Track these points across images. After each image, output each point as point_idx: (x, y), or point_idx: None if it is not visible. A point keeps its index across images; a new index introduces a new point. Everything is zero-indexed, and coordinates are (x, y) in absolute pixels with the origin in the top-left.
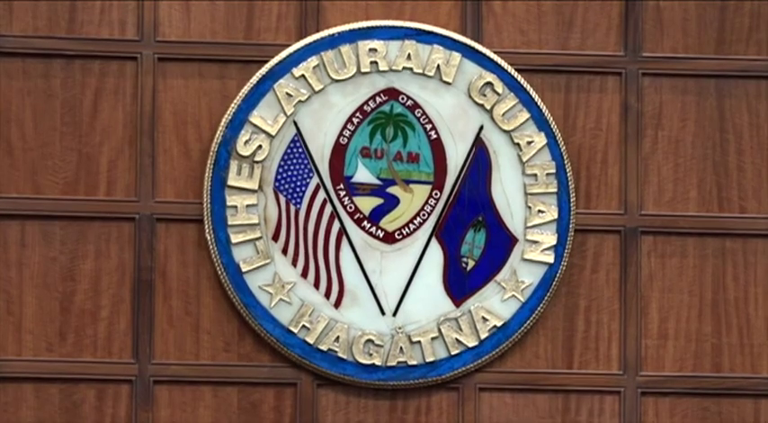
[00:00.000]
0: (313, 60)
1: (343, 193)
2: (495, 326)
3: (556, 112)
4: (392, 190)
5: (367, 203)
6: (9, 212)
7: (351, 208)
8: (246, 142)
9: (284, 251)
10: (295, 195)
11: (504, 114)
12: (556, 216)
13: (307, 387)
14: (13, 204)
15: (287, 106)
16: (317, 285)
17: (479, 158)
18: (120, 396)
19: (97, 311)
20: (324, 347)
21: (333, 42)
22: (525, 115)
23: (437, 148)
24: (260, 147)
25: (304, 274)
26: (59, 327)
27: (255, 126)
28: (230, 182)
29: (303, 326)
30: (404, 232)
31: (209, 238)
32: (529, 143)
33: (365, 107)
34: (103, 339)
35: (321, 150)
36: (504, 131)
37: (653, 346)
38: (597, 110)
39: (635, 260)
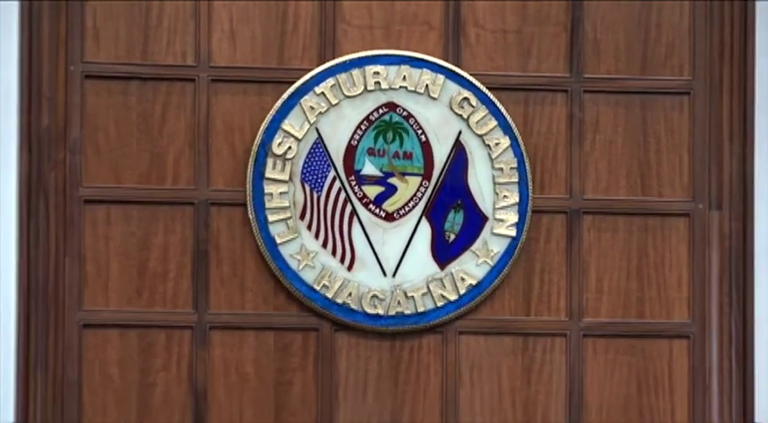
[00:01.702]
0: (330, 81)
1: (354, 183)
2: (471, 284)
3: (517, 120)
4: (392, 180)
5: (372, 191)
6: (98, 198)
7: (360, 194)
8: (279, 144)
9: (309, 227)
10: (317, 184)
11: (477, 122)
12: (517, 200)
13: (326, 331)
14: (100, 192)
15: (310, 116)
16: (333, 253)
17: (458, 156)
18: (183, 339)
19: (165, 274)
20: (339, 301)
21: (345, 67)
22: (493, 123)
23: (426, 148)
24: (290, 147)
25: (324, 245)
26: (136, 286)
27: (286, 132)
28: (267, 174)
29: (323, 285)
30: (400, 213)
31: (251, 217)
32: (496, 144)
33: (370, 117)
34: (171, 295)
35: (337, 150)
36: (478, 135)
37: (592, 299)
38: (549, 119)
39: (578, 234)
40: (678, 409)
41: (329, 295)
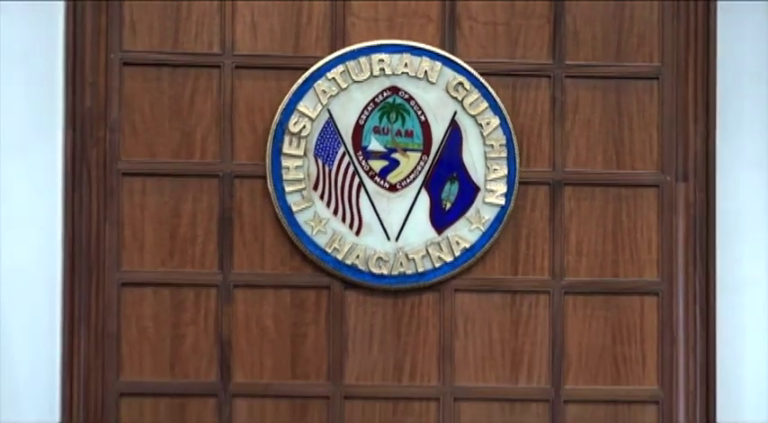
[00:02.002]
0: (340, 67)
1: (361, 158)
2: (464, 247)
3: (506, 102)
4: (395, 155)
5: (377, 164)
6: (134, 172)
7: (366, 168)
8: (295, 123)
9: (321, 197)
10: (328, 159)
11: (470, 104)
12: (506, 173)
13: (337, 289)
14: (137, 166)
15: (323, 99)
16: (343, 220)
17: (454, 134)
18: (210, 296)
19: (194, 238)
20: (348, 262)
21: (353, 55)
22: (485, 105)
23: (425, 127)
24: (304, 126)
25: (335, 213)
26: (169, 249)
27: (301, 112)
28: (284, 150)
29: (334, 248)
30: (402, 184)
31: (270, 188)
32: (487, 124)
33: (376, 99)
34: (199, 257)
35: (346, 129)
36: (471, 116)
37: (572, 261)
38: (534, 101)
39: (560, 203)
40: (648, 357)
41: (339, 257)
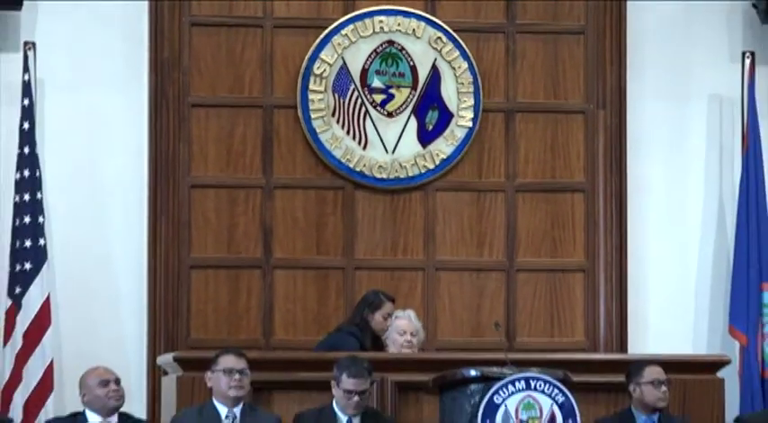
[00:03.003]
0: (351, 26)
1: (366, 93)
2: (442, 158)
3: (473, 52)
4: (391, 91)
5: (378, 97)
6: (200, 103)
7: (370, 100)
8: (318, 67)
9: (337, 122)
10: (342, 93)
11: (446, 53)
12: (473, 103)
13: (350, 189)
14: (202, 99)
15: (338, 50)
16: (353, 138)
17: (434, 75)
18: (256, 194)
19: (244, 152)
20: (358, 169)
21: (361, 17)
22: (457, 53)
23: (413, 70)
24: (325, 70)
25: (347, 133)
26: (226, 160)
27: (323, 60)
28: (310, 87)
29: (347, 158)
30: (397, 112)
31: (300, 116)
32: (459, 67)
33: (377, 49)
34: (248, 166)
35: (355, 71)
36: (447, 61)
37: (521, 168)
38: (493, 50)
39: (513, 126)
40: (577, 238)
41: (351, 165)
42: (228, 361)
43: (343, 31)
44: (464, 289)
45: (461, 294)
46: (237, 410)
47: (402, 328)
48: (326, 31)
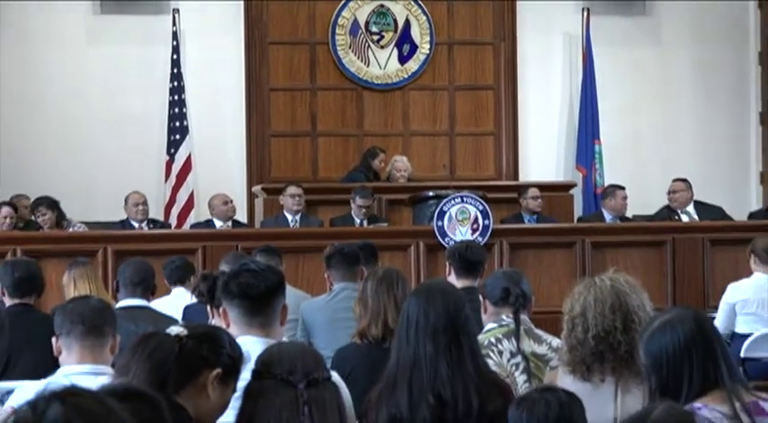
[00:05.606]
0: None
1: (368, 34)
2: (412, 72)
3: (428, 9)
4: (383, 33)
5: (375, 37)
6: (278, 41)
7: (370, 39)
8: (340, 20)
9: (354, 52)
10: (354, 35)
11: (413, 11)
12: (429, 39)
13: (359, 90)
14: (275, 40)
15: (353, 10)
16: (361, 61)
17: (407, 24)
18: (306, 95)
19: (306, 66)
20: (364, 79)
21: None
22: (420, 11)
23: (395, 22)
24: (344, 23)
25: (358, 58)
26: (290, 66)
27: (344, 16)
28: (337, 32)
29: (357, 72)
30: (387, 48)
31: (330, 49)
32: (421, 19)
33: (374, 10)
34: (307, 75)
35: (362, 22)
36: (414, 16)
37: (457, 73)
38: (440, 8)
39: (453, 52)
40: (491, 114)
41: (360, 76)
42: (292, 189)
43: (352, 4)
44: (426, 147)
45: (425, 149)
46: (298, 217)
47: (398, 168)
48: (340, 4)
